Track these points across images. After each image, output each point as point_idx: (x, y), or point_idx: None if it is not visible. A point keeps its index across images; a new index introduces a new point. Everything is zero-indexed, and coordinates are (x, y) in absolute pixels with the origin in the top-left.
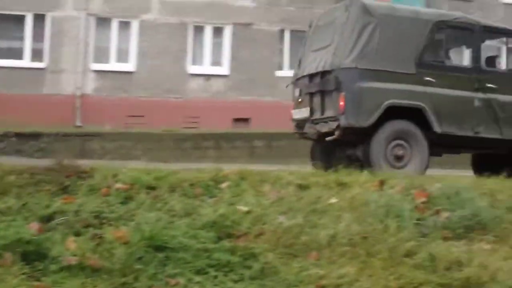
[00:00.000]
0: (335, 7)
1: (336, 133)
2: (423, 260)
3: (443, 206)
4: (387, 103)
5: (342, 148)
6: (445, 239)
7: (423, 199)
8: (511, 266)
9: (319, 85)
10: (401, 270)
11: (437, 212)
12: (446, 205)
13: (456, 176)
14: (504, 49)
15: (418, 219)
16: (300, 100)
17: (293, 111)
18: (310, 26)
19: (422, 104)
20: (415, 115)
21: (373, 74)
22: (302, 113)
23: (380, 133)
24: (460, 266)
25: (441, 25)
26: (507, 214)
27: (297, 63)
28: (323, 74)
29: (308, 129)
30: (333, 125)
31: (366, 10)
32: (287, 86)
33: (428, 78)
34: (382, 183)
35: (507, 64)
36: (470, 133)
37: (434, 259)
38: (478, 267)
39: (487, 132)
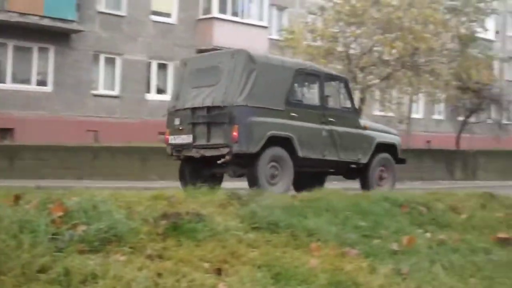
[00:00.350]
0: (217, 53)
1: (227, 157)
2: (58, 275)
3: (81, 220)
4: (269, 133)
5: (208, 168)
6: (81, 252)
7: (60, 213)
8: (145, 275)
9: (206, 118)
10: (34, 287)
11: (74, 226)
12: (83, 218)
13: (96, 188)
14: (340, 91)
15: (54, 234)
16: (180, 128)
17: (170, 137)
18: (185, 65)
19: (290, 134)
20: (285, 143)
21: (258, 110)
22: (183, 139)
23: (263, 157)
24: (95, 278)
25: (300, 72)
26: (143, 226)
27: (174, 96)
28: (211, 108)
29: (193, 153)
30: (224, 151)
31: (251, 59)
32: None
33: (293, 114)
34: (18, 198)
35: (340, 103)
36: (320, 156)
37: (69, 273)
38: (113, 279)
39: (330, 155)
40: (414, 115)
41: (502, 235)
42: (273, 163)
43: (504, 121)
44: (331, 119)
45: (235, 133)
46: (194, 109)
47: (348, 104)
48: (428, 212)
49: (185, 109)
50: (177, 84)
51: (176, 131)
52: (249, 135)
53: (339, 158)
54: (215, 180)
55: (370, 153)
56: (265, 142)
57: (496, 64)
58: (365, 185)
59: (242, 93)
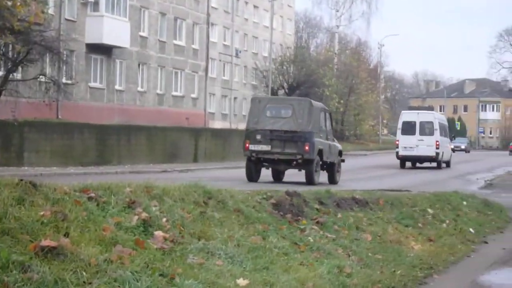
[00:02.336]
0: (288, 98)
1: (300, 161)
2: None
3: None
4: (319, 147)
5: (278, 167)
6: None
7: None
8: None
9: (283, 136)
10: None
11: None
12: None
13: None
14: (328, 119)
15: None
16: (260, 140)
17: (250, 145)
18: (259, 102)
19: (322, 147)
20: (320, 152)
21: (315, 134)
22: (262, 148)
23: (316, 161)
24: None
25: (322, 110)
26: None
27: (253, 121)
28: (287, 132)
29: (269, 156)
30: (298, 156)
31: (311, 104)
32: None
33: (321, 135)
34: None
35: (328, 127)
36: (326, 159)
37: None
38: None
39: (329, 159)
40: None
41: (46, 242)
42: (317, 165)
43: (64, 80)
44: (328, 136)
45: (307, 147)
46: (272, 131)
47: (330, 127)
48: None
49: (264, 130)
50: (255, 113)
51: (256, 142)
52: (313, 149)
53: (330, 160)
54: (280, 177)
55: (337, 156)
56: (317, 152)
57: None
58: (331, 177)
59: (309, 124)
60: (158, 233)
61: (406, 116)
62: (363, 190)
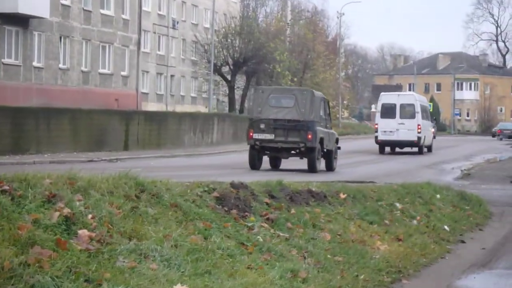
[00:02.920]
0: (291, 89)
1: (302, 149)
2: None
3: None
4: (320, 136)
5: (280, 155)
6: None
7: None
8: None
9: (286, 126)
10: None
11: None
12: None
13: None
14: (326, 108)
15: None
16: (264, 129)
17: (254, 134)
18: (262, 92)
19: (323, 136)
20: (321, 141)
21: (317, 123)
22: (265, 136)
23: (317, 149)
24: None
25: (322, 99)
26: None
27: (256, 110)
28: (290, 121)
29: (273, 144)
30: (301, 145)
31: (313, 94)
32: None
33: (321, 123)
34: None
35: (326, 115)
36: (326, 147)
37: None
38: None
39: (328, 146)
40: None
41: None
42: (319, 152)
43: None
44: (327, 125)
45: (310, 136)
46: (275, 120)
47: (328, 115)
48: None
49: (268, 119)
50: (258, 103)
51: (260, 131)
52: (315, 137)
53: (328, 148)
54: (277, 164)
55: (334, 144)
56: (319, 140)
57: None
58: (328, 164)
59: (311, 113)
60: (83, 232)
61: (386, 98)
62: (320, 181)
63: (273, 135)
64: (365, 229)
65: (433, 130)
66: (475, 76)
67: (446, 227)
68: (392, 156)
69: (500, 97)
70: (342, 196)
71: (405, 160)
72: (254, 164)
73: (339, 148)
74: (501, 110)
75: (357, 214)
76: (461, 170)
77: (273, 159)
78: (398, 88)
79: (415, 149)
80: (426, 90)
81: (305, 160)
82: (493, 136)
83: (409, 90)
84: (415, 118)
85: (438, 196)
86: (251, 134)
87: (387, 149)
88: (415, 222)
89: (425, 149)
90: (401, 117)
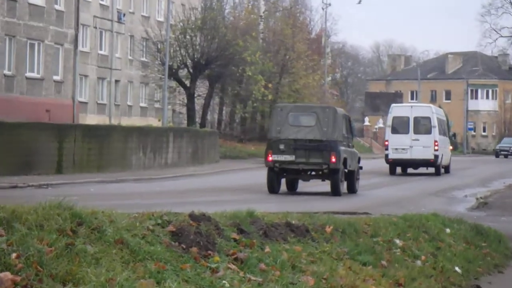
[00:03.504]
0: (312, 106)
1: (325, 171)
2: None
3: None
4: (344, 156)
5: (302, 177)
6: None
7: None
8: None
9: (307, 146)
10: None
11: None
12: None
13: None
14: (348, 125)
15: None
16: (283, 150)
17: (273, 155)
18: (281, 110)
19: (346, 156)
20: (345, 161)
21: (340, 143)
22: (285, 158)
23: (341, 170)
24: None
25: (345, 117)
26: None
27: (276, 130)
28: (312, 141)
29: (294, 166)
30: (324, 166)
31: (336, 111)
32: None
33: (344, 142)
34: None
35: (348, 133)
36: (349, 167)
37: None
38: None
39: (351, 167)
40: None
41: None
42: (342, 174)
43: None
44: (349, 144)
45: (333, 157)
46: (296, 140)
47: (350, 133)
48: None
49: (288, 139)
50: (277, 122)
51: (279, 152)
52: (339, 158)
53: (351, 168)
54: (295, 187)
55: (357, 164)
56: (342, 161)
57: None
58: (350, 186)
59: (334, 132)
60: (5, 275)
61: (397, 110)
62: (301, 212)
63: (294, 156)
64: (357, 272)
65: (450, 147)
66: (493, 82)
67: (457, 268)
68: (403, 178)
69: None
70: (329, 230)
71: (408, 186)
72: (273, 187)
73: (361, 168)
74: None
75: (347, 252)
76: (476, 199)
77: (290, 181)
78: (397, 96)
79: (431, 169)
80: (433, 98)
81: (323, 182)
82: (496, 155)
83: (412, 98)
84: (431, 134)
85: (447, 230)
86: (269, 155)
87: (399, 169)
88: (419, 262)
89: (442, 170)
90: (415, 132)
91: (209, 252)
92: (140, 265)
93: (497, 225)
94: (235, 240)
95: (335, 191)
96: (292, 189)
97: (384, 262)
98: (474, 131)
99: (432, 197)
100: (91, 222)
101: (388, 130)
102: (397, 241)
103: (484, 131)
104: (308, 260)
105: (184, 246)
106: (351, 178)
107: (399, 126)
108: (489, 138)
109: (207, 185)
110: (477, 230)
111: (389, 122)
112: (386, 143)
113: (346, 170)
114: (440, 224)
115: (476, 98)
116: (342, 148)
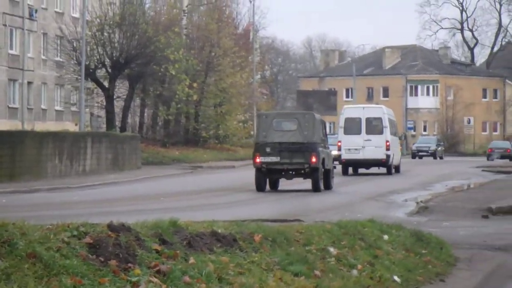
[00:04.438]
0: (293, 112)
1: (307, 170)
2: None
3: None
4: (322, 156)
5: (285, 176)
6: None
7: None
8: None
9: (290, 148)
10: None
11: None
12: None
13: None
14: (323, 128)
15: None
16: (270, 152)
17: (261, 157)
18: (266, 117)
19: (324, 157)
20: (323, 161)
21: (319, 144)
22: (271, 159)
23: (320, 169)
24: None
25: (322, 121)
26: None
27: (262, 135)
28: (294, 143)
29: (279, 166)
30: (305, 166)
31: (314, 117)
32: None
33: (322, 144)
34: None
35: (323, 135)
36: (326, 167)
37: None
38: None
39: (328, 166)
40: None
41: None
42: (321, 173)
43: None
44: (325, 145)
45: (314, 158)
46: (280, 143)
47: (325, 136)
48: None
49: (273, 142)
50: (263, 128)
51: (266, 154)
52: (319, 158)
53: (327, 167)
54: (276, 185)
55: (332, 163)
56: (321, 161)
57: None
58: (326, 184)
59: (314, 136)
60: None
61: (349, 111)
62: (228, 220)
63: (279, 157)
64: (289, 283)
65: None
66: (434, 77)
67: (396, 278)
68: (340, 181)
69: (468, 105)
70: (258, 239)
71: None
72: (261, 186)
73: (335, 167)
74: (468, 122)
75: (278, 263)
76: (417, 203)
77: (273, 180)
78: (331, 94)
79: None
80: (370, 96)
81: (303, 180)
82: (413, 157)
83: (347, 96)
84: (383, 134)
85: (385, 237)
86: (257, 157)
87: (351, 169)
88: (355, 272)
89: (393, 170)
90: (367, 133)
91: (129, 264)
92: (55, 280)
93: (439, 230)
94: (157, 251)
95: (315, 188)
96: (274, 188)
97: (317, 272)
98: (414, 131)
99: (368, 201)
100: (1, 235)
101: (341, 131)
102: (331, 249)
103: (425, 130)
104: (236, 271)
105: (103, 259)
106: (327, 176)
107: (351, 127)
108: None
109: (127, 194)
110: (417, 236)
111: (342, 123)
112: (339, 143)
113: (323, 169)
114: (378, 231)
115: (416, 95)
116: (321, 149)
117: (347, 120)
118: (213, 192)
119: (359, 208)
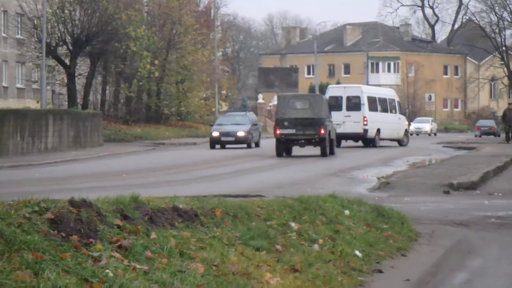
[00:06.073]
0: (306, 94)
1: (317, 139)
2: None
3: None
4: (329, 128)
5: (300, 144)
6: None
7: None
8: None
9: (303, 122)
10: None
11: None
12: None
13: None
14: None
15: None
16: (287, 126)
17: (280, 130)
18: (284, 98)
19: (330, 129)
20: (330, 132)
21: (327, 120)
22: (288, 131)
23: (327, 139)
24: None
25: (327, 100)
26: None
27: (281, 112)
28: (307, 119)
29: (294, 137)
30: (316, 136)
31: (323, 98)
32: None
33: (328, 119)
34: None
35: (327, 111)
36: (331, 137)
37: None
38: None
39: (332, 136)
40: None
41: None
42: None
43: None
44: (330, 120)
45: (322, 129)
46: (296, 118)
47: (329, 112)
48: None
49: (290, 118)
50: (281, 106)
51: (284, 127)
52: (326, 130)
53: (331, 137)
54: (290, 152)
55: (334, 134)
56: (328, 133)
57: None
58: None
59: (322, 112)
60: None
61: (332, 91)
62: (189, 196)
63: (294, 129)
64: (250, 258)
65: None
66: (395, 54)
67: (357, 252)
68: (297, 159)
69: (429, 81)
70: (219, 214)
71: (305, 167)
72: (280, 153)
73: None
74: (430, 98)
75: (239, 237)
76: (378, 178)
77: (288, 148)
78: (292, 71)
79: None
80: (331, 73)
81: (312, 148)
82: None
83: (308, 73)
84: (361, 111)
85: (346, 212)
86: (277, 130)
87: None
88: (316, 247)
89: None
90: (347, 109)
91: (91, 240)
92: (16, 255)
93: (400, 206)
94: (118, 226)
95: (323, 153)
96: (288, 154)
97: (278, 247)
98: None
99: (329, 177)
100: None
101: None
102: (293, 224)
103: None
104: (198, 246)
105: (64, 234)
106: (332, 144)
107: (334, 104)
108: None
109: (89, 171)
110: (379, 211)
111: None
112: None
113: (329, 139)
114: (339, 206)
115: (377, 71)
116: (327, 123)
117: (330, 98)
118: (175, 168)
119: (319, 184)
